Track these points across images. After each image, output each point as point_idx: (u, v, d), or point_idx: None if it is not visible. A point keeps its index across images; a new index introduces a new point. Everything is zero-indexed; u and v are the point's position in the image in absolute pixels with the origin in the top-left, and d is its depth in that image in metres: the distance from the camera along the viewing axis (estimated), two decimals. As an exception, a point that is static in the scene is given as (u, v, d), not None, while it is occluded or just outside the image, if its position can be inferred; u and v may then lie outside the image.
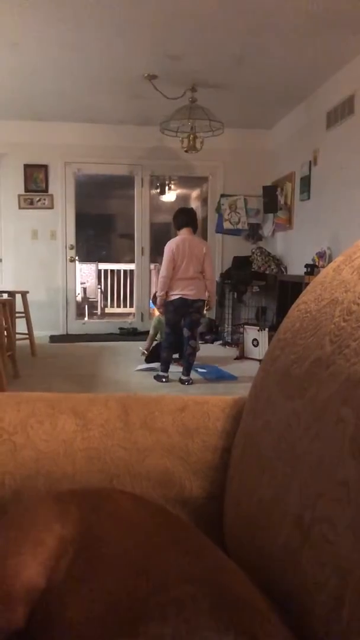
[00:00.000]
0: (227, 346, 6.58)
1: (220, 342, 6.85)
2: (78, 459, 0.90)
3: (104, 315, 9.85)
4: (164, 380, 4.64)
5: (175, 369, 4.85)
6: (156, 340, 5.69)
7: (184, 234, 4.68)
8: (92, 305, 9.75)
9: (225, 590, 0.53)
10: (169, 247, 4.61)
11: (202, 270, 4.61)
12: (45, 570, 0.59)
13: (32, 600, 0.57)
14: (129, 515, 0.68)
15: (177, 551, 0.61)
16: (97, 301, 9.93)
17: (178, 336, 4.72)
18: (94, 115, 6.57)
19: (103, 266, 9.99)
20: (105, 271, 10.07)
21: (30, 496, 0.84)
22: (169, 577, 0.54)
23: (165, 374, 4.68)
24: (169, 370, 4.73)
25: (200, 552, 0.62)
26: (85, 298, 9.44)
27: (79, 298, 8.39)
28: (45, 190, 7.08)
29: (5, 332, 4.55)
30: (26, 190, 7.04)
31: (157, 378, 4.70)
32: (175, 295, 4.57)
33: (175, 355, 5.05)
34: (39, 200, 7.08)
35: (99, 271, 9.97)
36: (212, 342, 6.86)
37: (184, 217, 4.79)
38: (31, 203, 7.07)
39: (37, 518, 0.67)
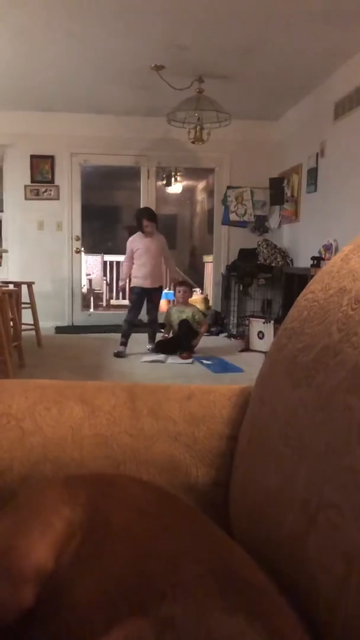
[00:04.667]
0: (232, 338, 6.58)
1: (226, 334, 6.85)
2: (85, 445, 0.90)
3: (109, 306, 9.86)
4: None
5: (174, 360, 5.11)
6: (161, 331, 5.74)
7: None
8: (98, 297, 9.75)
9: (234, 573, 0.53)
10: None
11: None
12: (54, 552, 0.60)
13: (41, 581, 0.58)
14: (137, 500, 0.69)
15: (185, 535, 0.62)
16: (102, 293, 9.94)
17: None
18: (100, 106, 6.54)
19: (109, 258, 10.00)
20: (111, 263, 10.07)
21: (39, 481, 0.85)
22: (177, 559, 0.55)
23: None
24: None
25: (208, 536, 0.63)
26: (90, 289, 9.45)
27: (84, 289, 8.39)
28: (52, 181, 7.08)
29: (11, 322, 4.56)
30: (32, 181, 7.04)
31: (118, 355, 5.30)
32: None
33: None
34: (45, 191, 7.07)
35: (105, 263, 9.97)
36: (218, 335, 6.86)
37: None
38: (37, 194, 7.07)
39: (46, 501, 0.68)
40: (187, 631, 0.42)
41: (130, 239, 5.56)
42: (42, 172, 7.05)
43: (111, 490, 0.70)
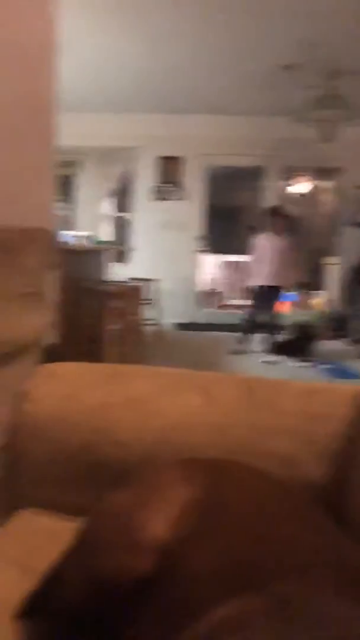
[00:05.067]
0: (354, 344, 6.32)
1: (348, 339, 6.59)
2: (201, 432, 0.93)
3: (229, 306, 9.89)
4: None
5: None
6: (281, 333, 5.68)
7: None
8: (219, 296, 9.83)
9: (347, 564, 0.53)
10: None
11: None
12: (171, 525, 0.63)
13: (159, 551, 0.61)
14: (254, 487, 0.70)
15: (298, 524, 0.62)
16: (223, 292, 10.00)
17: None
18: (226, 107, 6.59)
19: (230, 257, 10.03)
20: (233, 262, 10.10)
21: (159, 460, 0.89)
22: (292, 546, 0.56)
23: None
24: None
25: (321, 528, 0.63)
26: (212, 288, 9.55)
27: (206, 288, 8.52)
28: (179, 182, 7.27)
29: (136, 317, 4.77)
30: (160, 182, 7.27)
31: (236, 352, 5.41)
32: None
33: None
34: (172, 192, 7.28)
35: (227, 262, 10.03)
36: (339, 339, 6.63)
37: None
38: (164, 194, 7.29)
39: (165, 480, 0.72)
40: (301, 610, 0.43)
41: (257, 236, 5.56)
42: (169, 173, 7.26)
43: (228, 475, 0.73)
